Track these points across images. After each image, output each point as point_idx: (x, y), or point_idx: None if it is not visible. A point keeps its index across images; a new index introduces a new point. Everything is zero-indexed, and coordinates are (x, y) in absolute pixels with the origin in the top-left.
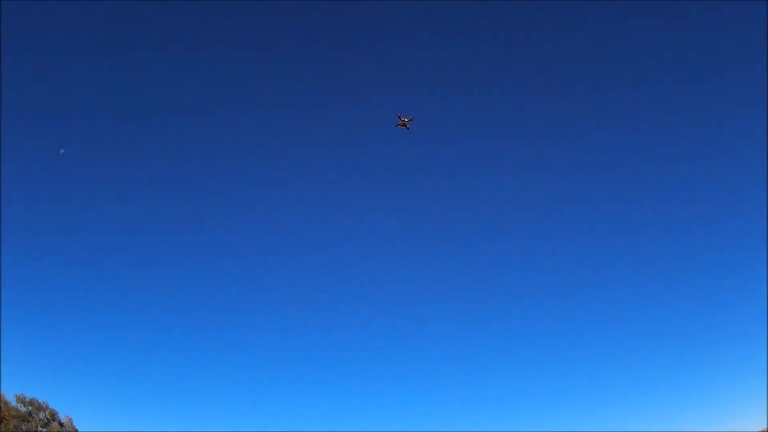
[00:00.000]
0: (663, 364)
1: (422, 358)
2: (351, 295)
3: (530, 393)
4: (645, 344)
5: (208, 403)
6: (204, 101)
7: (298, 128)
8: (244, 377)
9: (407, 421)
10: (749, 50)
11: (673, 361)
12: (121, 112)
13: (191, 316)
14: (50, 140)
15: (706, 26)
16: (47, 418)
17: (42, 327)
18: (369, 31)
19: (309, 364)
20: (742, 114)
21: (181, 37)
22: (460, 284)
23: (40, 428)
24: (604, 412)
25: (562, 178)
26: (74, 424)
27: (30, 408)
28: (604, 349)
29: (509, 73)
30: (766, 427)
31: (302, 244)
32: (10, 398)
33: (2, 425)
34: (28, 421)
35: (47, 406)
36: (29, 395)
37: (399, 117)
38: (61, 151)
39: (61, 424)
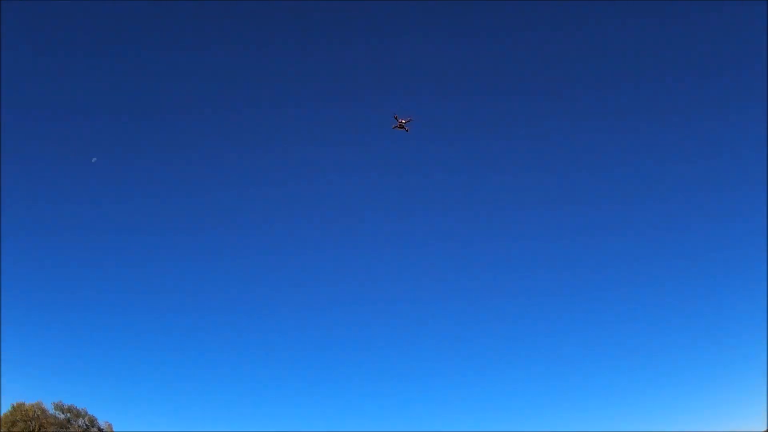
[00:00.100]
0: (663, 364)
1: (422, 358)
2: (350, 295)
3: (530, 393)
4: (645, 344)
5: (233, 403)
6: (204, 101)
7: (298, 128)
8: (267, 378)
9: (407, 421)
10: (749, 50)
11: (673, 361)
12: (121, 112)
13: (217, 322)
14: (50, 139)
15: (706, 26)
16: (86, 425)
17: (80, 333)
18: (369, 31)
19: (318, 363)
20: (742, 114)
21: (182, 37)
22: (460, 284)
23: None
24: (604, 412)
25: (561, 178)
26: (114, 429)
27: (68, 415)
28: (604, 349)
29: (509, 72)
30: (766, 427)
31: (301, 245)
32: (48, 406)
33: None
34: (67, 428)
35: (86, 413)
36: (67, 402)
37: (396, 118)
38: (93, 160)
39: (100, 430)
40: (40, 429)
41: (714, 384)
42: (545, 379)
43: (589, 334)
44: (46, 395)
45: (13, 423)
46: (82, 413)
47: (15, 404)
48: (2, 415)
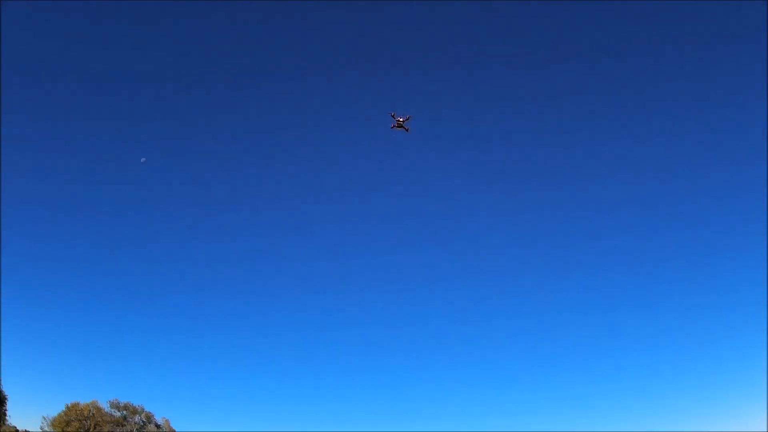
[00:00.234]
0: (663, 364)
1: (422, 358)
2: (350, 296)
3: (530, 393)
4: (645, 344)
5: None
6: (205, 102)
7: (298, 128)
8: (315, 378)
9: (408, 421)
10: (749, 50)
11: (673, 361)
12: (122, 112)
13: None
14: (50, 138)
15: (706, 26)
16: (143, 421)
17: (142, 330)
18: (369, 30)
19: (320, 363)
20: (742, 114)
21: (182, 37)
22: (460, 284)
23: (135, 431)
24: (604, 412)
25: (561, 180)
26: (171, 424)
27: (124, 412)
28: (604, 349)
29: (509, 75)
30: (766, 427)
31: (301, 246)
32: (104, 404)
33: (96, 431)
34: (123, 425)
35: (143, 409)
36: (123, 400)
37: (393, 117)
38: (142, 160)
39: (157, 426)
40: (95, 427)
41: (714, 384)
42: (545, 379)
43: (588, 335)
44: (104, 394)
45: (68, 423)
46: (139, 410)
47: (69, 404)
48: (56, 415)
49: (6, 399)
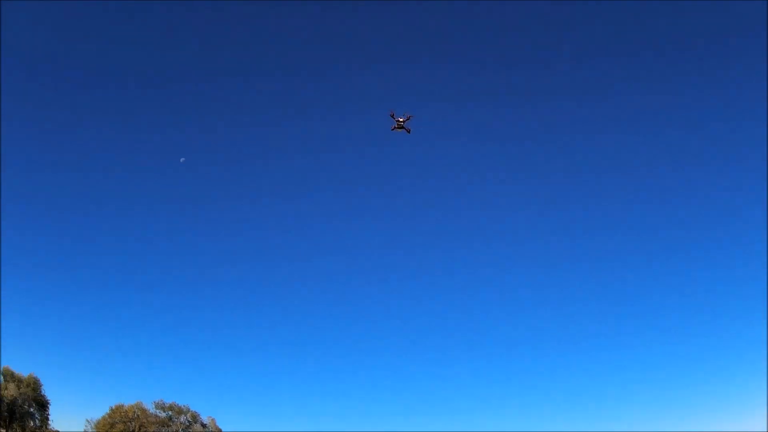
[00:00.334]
0: (663, 364)
1: (422, 357)
2: (349, 296)
3: (530, 393)
4: (645, 344)
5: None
6: (205, 102)
7: (299, 129)
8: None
9: (408, 421)
10: (749, 50)
11: (673, 361)
12: (123, 112)
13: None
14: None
15: (706, 26)
16: (189, 421)
17: (188, 329)
18: (368, 31)
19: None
20: (742, 114)
21: (182, 37)
22: (460, 284)
23: (181, 431)
24: (604, 412)
25: (561, 178)
26: (217, 423)
27: (170, 413)
28: (603, 349)
29: (509, 74)
30: (766, 427)
31: (300, 246)
32: (149, 405)
33: None
34: (168, 426)
35: (188, 409)
36: (168, 401)
37: (393, 117)
38: (182, 159)
39: (203, 425)
40: (140, 429)
41: (714, 384)
42: (545, 379)
43: (588, 334)
44: (149, 395)
45: (112, 425)
46: (185, 410)
47: (113, 406)
48: (100, 417)
49: (48, 403)
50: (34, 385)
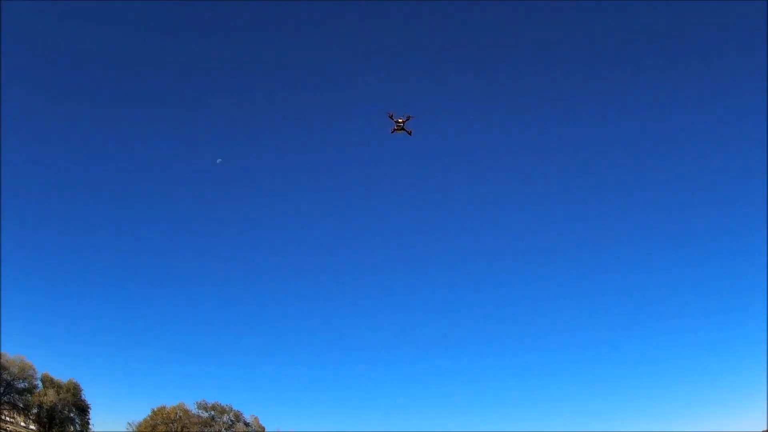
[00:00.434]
0: (663, 364)
1: (423, 358)
2: (349, 296)
3: (530, 393)
4: (645, 344)
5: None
6: (206, 101)
7: (300, 129)
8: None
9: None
10: (749, 50)
11: (673, 362)
12: (123, 112)
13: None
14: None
15: (706, 26)
16: (231, 420)
17: (232, 329)
18: (366, 31)
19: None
20: (742, 114)
21: (182, 37)
22: (461, 284)
23: (224, 430)
24: (604, 412)
25: (561, 178)
26: (261, 422)
27: (212, 413)
28: (604, 349)
29: (509, 72)
30: (766, 427)
31: (298, 246)
32: (191, 406)
33: None
34: (211, 426)
35: (231, 408)
36: (210, 400)
37: (391, 118)
38: (218, 160)
39: (246, 424)
40: (182, 430)
41: (714, 384)
42: (545, 378)
43: (588, 334)
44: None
45: (154, 427)
46: (227, 409)
47: (155, 408)
48: (142, 420)
49: (89, 408)
50: (74, 390)
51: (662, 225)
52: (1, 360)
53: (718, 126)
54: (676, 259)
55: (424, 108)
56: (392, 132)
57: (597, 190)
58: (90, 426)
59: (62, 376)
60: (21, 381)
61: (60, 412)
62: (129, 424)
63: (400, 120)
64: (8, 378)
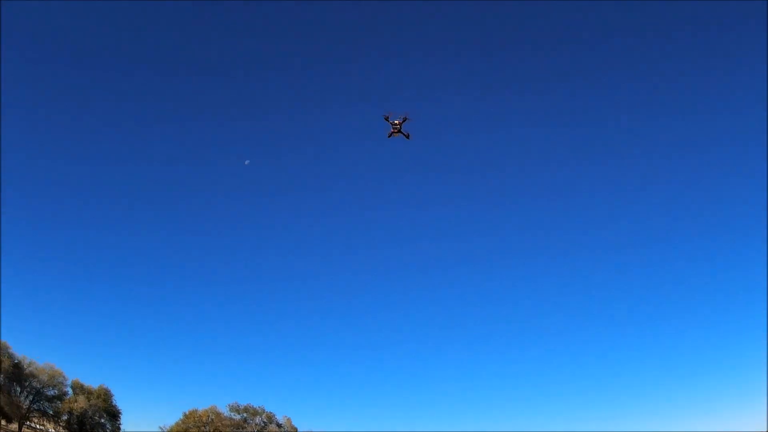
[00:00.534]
0: (663, 365)
1: (425, 357)
2: (348, 296)
3: (530, 393)
4: (645, 344)
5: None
6: (206, 101)
7: (300, 129)
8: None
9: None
10: (749, 50)
11: (673, 362)
12: (123, 112)
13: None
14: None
15: (706, 26)
16: (264, 422)
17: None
18: (366, 31)
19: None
20: (742, 113)
21: (182, 37)
22: (460, 284)
23: None
24: (604, 412)
25: (561, 177)
26: (293, 423)
27: (245, 415)
28: (604, 349)
29: (510, 72)
30: (766, 427)
31: (298, 245)
32: (223, 409)
33: None
34: (243, 428)
35: (263, 410)
36: (243, 402)
37: (387, 120)
38: (246, 162)
39: (279, 425)
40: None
41: (714, 384)
42: (545, 379)
43: (589, 334)
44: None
45: (186, 430)
46: (260, 411)
47: (187, 412)
48: (173, 424)
49: (120, 413)
50: (105, 396)
51: (662, 225)
52: (31, 368)
53: (718, 126)
54: (676, 258)
55: (424, 105)
56: (389, 136)
57: (597, 190)
58: (121, 431)
59: (93, 382)
60: (51, 388)
61: (90, 418)
62: (161, 428)
63: (396, 122)
64: (38, 386)
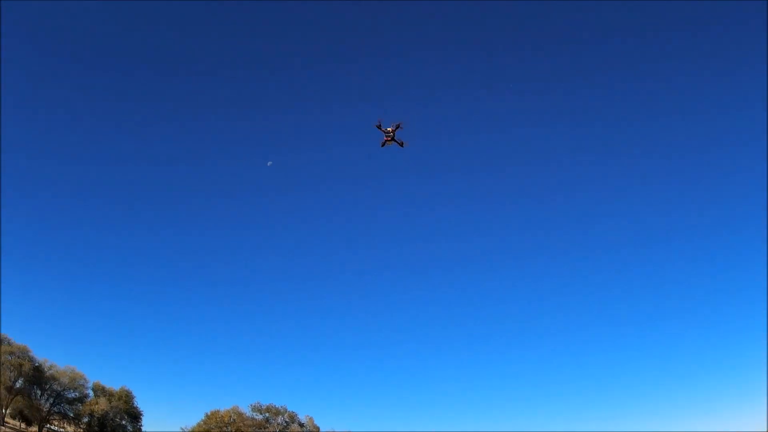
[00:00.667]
0: (663, 365)
1: (425, 357)
2: (348, 296)
3: (530, 393)
4: (645, 344)
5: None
6: (206, 101)
7: (300, 129)
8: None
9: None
10: (749, 50)
11: (673, 362)
12: (123, 112)
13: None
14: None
15: (706, 26)
16: (286, 421)
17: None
18: (365, 30)
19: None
20: (742, 113)
21: (182, 36)
22: (461, 283)
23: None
24: (604, 412)
25: (561, 177)
26: (315, 422)
27: (267, 414)
28: (604, 349)
29: (509, 72)
30: (766, 427)
31: (298, 245)
32: (246, 409)
33: None
34: (266, 428)
35: (285, 410)
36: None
37: (380, 128)
38: (269, 163)
39: (301, 425)
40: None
41: (714, 384)
42: (545, 378)
43: (589, 334)
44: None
45: (208, 431)
46: (281, 410)
47: (209, 412)
48: (195, 424)
49: (141, 415)
50: (126, 397)
51: (662, 224)
52: (51, 371)
53: (718, 126)
54: (676, 258)
55: (424, 105)
56: (382, 145)
57: (597, 190)
58: None
59: (115, 384)
60: (71, 391)
61: (111, 420)
62: (182, 428)
63: (389, 129)
64: (58, 388)
